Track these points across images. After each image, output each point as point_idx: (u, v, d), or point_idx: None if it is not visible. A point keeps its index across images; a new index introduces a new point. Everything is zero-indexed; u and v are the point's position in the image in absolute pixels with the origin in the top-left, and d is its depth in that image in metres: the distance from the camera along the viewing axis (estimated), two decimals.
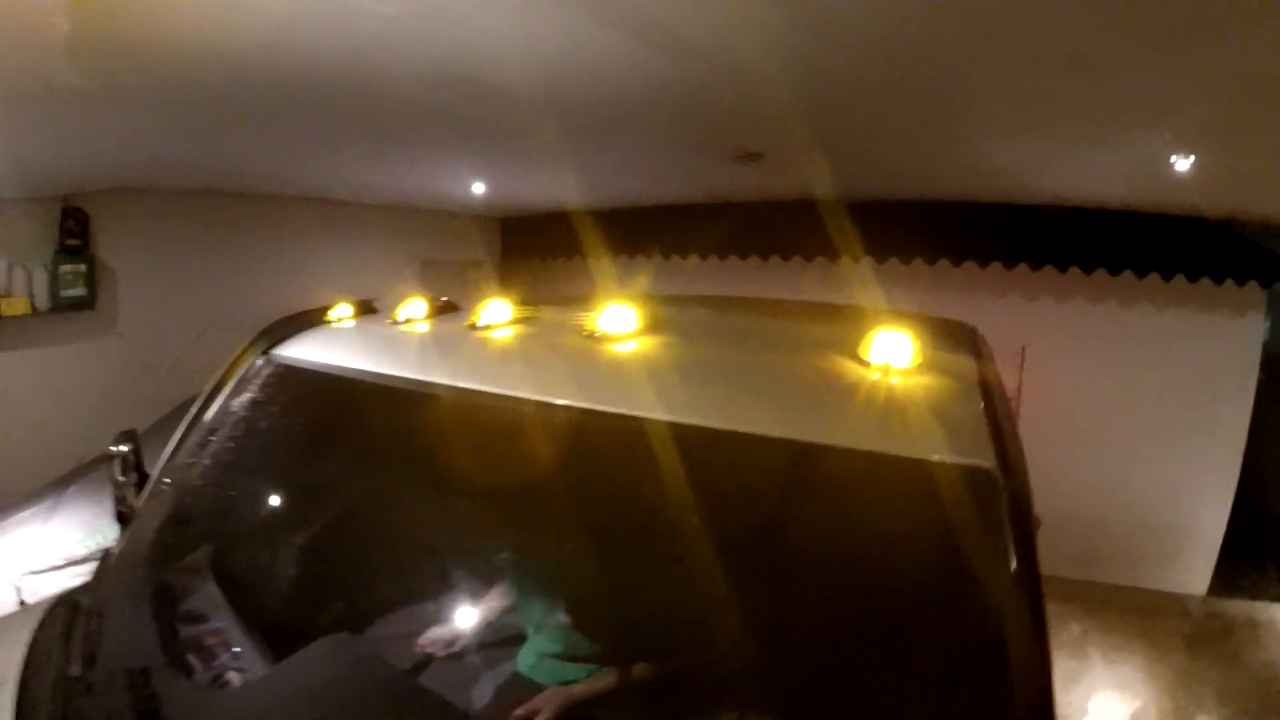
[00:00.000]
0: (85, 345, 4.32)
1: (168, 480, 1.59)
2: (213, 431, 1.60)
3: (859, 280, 4.93)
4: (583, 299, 1.90)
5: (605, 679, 1.15)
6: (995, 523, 0.97)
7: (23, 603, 2.51)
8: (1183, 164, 3.03)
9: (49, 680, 1.19)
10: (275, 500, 1.63)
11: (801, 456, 1.13)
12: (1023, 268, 4.77)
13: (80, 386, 4.28)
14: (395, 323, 1.81)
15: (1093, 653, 4.07)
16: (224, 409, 1.62)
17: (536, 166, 4.29)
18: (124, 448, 1.71)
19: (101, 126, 2.81)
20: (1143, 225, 4.28)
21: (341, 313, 1.89)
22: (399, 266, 6.00)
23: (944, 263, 4.96)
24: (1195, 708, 3.66)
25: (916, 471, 1.04)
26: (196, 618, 1.31)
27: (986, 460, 1.03)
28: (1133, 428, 4.84)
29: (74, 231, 4.10)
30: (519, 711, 1.11)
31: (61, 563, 2.98)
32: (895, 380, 1.24)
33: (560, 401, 1.27)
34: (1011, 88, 2.34)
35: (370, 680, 1.17)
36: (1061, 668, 3.71)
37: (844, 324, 1.54)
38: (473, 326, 1.65)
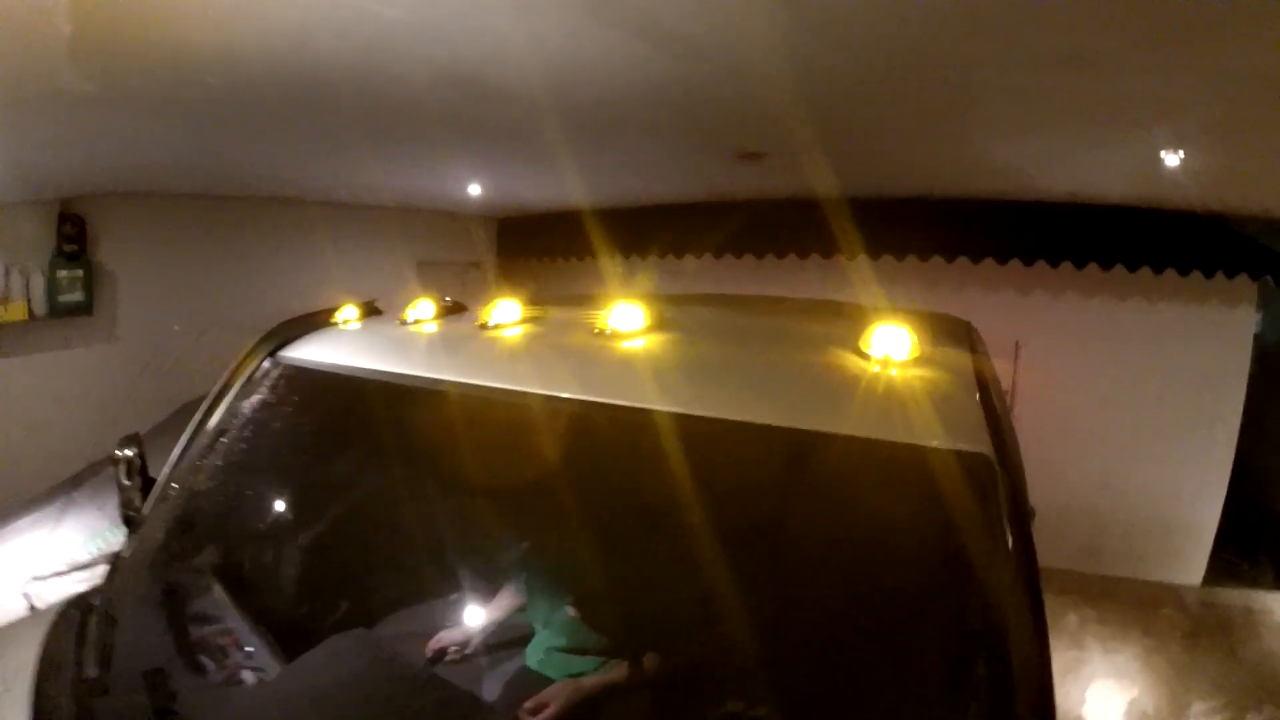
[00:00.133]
0: (83, 350, 4.31)
1: (177, 483, 1.60)
2: (221, 434, 1.61)
3: (854, 277, 4.97)
4: (590, 299, 1.93)
5: (614, 671, 1.18)
6: (992, 505, 1.00)
7: (32, 608, 2.52)
8: (1177, 161, 3.06)
9: (65, 682, 1.21)
10: (288, 501, 1.65)
11: (808, 445, 1.16)
12: (1015, 264, 4.80)
13: (79, 392, 4.27)
14: (405, 323, 1.83)
15: (1090, 643, 4.11)
16: (231, 411, 1.63)
17: (536, 166, 4.30)
18: (128, 452, 1.72)
19: (101, 129, 2.81)
20: (1134, 220, 4.32)
21: (348, 314, 1.91)
22: (397, 268, 6.01)
23: (937, 259, 4.98)
24: (1191, 696, 3.70)
25: (917, 458, 1.08)
26: (211, 618, 1.33)
27: (983, 447, 1.07)
28: (1127, 421, 4.88)
29: (72, 236, 4.10)
30: (528, 704, 1.14)
31: (65, 568, 2.99)
32: (895, 372, 1.28)
33: (576, 396, 1.30)
34: (1010, 87, 2.36)
35: (384, 676, 1.19)
36: (1060, 658, 3.74)
37: (844, 319, 1.57)
38: (483, 326, 1.67)
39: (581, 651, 1.23)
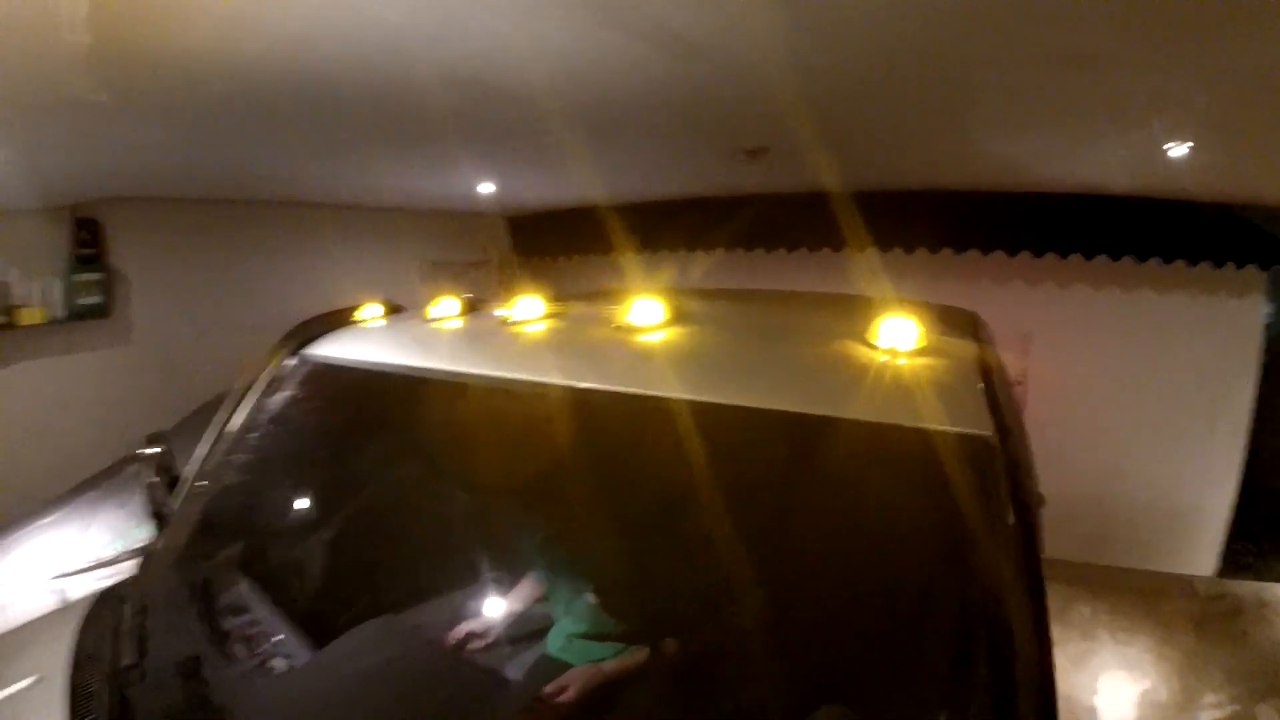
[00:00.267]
0: (101, 352, 4.37)
1: (205, 477, 1.65)
2: (248, 430, 1.66)
3: (865, 270, 4.99)
4: (608, 295, 1.97)
5: (633, 656, 1.21)
6: (994, 485, 1.05)
7: (64, 601, 2.58)
8: (1182, 154, 3.07)
9: (101, 670, 1.25)
10: (315, 493, 1.69)
11: (819, 430, 1.21)
12: (1025, 255, 4.80)
13: (97, 393, 4.33)
14: (429, 320, 1.87)
15: (1102, 634, 4.12)
16: (258, 408, 1.68)
17: (545, 166, 4.33)
18: (156, 449, 1.76)
19: (115, 136, 2.85)
20: (1142, 211, 4.31)
21: (370, 312, 1.95)
22: (407, 268, 6.06)
23: (947, 252, 5.00)
24: (1203, 686, 3.71)
25: (923, 440, 1.13)
26: (242, 608, 1.37)
27: (985, 430, 1.12)
28: (1138, 411, 4.88)
29: (88, 241, 4.15)
30: (548, 688, 1.17)
31: (90, 565, 3.04)
32: (902, 361, 1.33)
33: (599, 387, 1.35)
34: (1011, 84, 2.37)
35: (409, 663, 1.23)
36: (1071, 649, 3.77)
37: (854, 312, 1.61)
38: (506, 322, 1.72)
39: (601, 637, 1.26)
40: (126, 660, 1.24)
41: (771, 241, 5.53)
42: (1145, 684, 3.74)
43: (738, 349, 1.56)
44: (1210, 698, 3.62)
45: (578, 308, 1.86)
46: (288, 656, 1.26)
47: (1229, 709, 3.55)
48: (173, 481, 1.78)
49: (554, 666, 1.24)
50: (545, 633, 1.31)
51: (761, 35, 1.98)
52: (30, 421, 4.09)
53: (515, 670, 1.28)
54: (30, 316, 3.94)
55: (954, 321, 1.81)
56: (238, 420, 1.67)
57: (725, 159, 3.97)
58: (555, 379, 1.40)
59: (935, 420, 1.14)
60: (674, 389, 1.30)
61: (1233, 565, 4.79)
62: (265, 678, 1.24)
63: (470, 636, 1.26)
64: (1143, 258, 4.46)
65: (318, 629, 1.29)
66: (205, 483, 1.63)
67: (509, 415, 1.49)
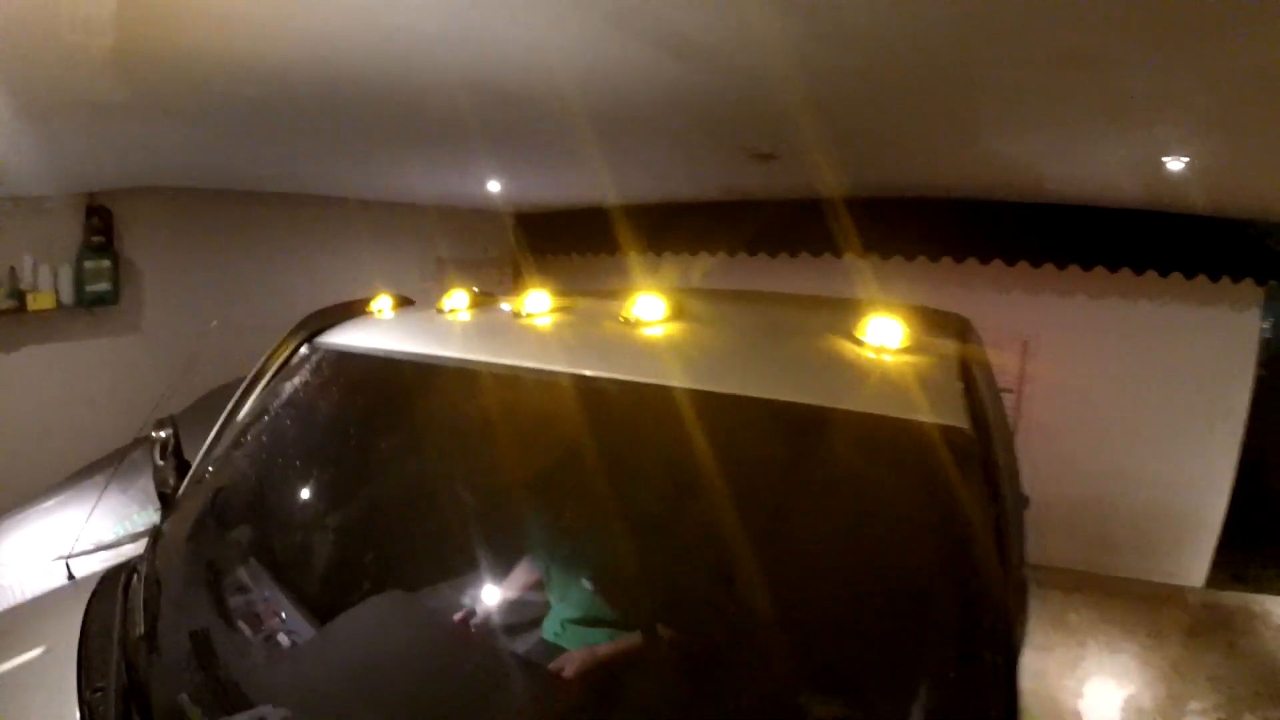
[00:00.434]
0: (110, 339, 4.44)
1: (216, 458, 1.71)
2: (260, 414, 1.71)
3: (867, 277, 5.05)
4: (614, 292, 2.05)
5: (628, 640, 1.26)
6: (971, 473, 1.11)
7: (71, 577, 2.63)
8: (1181, 163, 3.10)
9: (112, 641, 1.30)
10: (323, 477, 1.75)
11: (808, 419, 1.29)
12: (1023, 265, 4.85)
13: (104, 379, 4.40)
14: (441, 311, 1.95)
15: (1091, 641, 4.16)
16: (271, 392, 1.74)
17: (555, 165, 4.38)
18: (164, 433, 1.82)
19: (133, 132, 2.91)
20: (1140, 223, 4.36)
21: (381, 304, 2.02)
22: (416, 264, 6.12)
23: (946, 260, 5.04)
24: (1189, 694, 3.75)
25: (904, 430, 1.20)
26: (251, 585, 1.42)
27: (962, 421, 1.19)
28: (1134, 422, 4.92)
29: (99, 229, 4.21)
30: (549, 668, 1.22)
31: (91, 548, 3.09)
32: (888, 358, 1.41)
33: (603, 375, 1.44)
34: (1014, 86, 2.39)
35: (411, 641, 1.28)
36: (1061, 654, 3.81)
37: (845, 312, 1.68)
38: (517, 314, 1.80)
39: (596, 623, 1.31)
40: (136, 631, 1.29)
41: (774, 246, 5.58)
42: (1131, 690, 3.79)
43: (734, 343, 1.64)
44: (1195, 704, 3.66)
45: (584, 302, 1.93)
46: (294, 631, 1.32)
47: (1214, 716, 3.59)
48: (180, 464, 1.84)
49: (550, 651, 1.29)
50: (542, 618, 1.36)
51: (771, 41, 2.02)
52: (38, 405, 4.16)
53: (510, 654, 1.32)
54: (40, 302, 4.00)
55: (943, 324, 1.88)
56: (249, 405, 1.73)
57: (733, 163, 4.02)
58: (561, 367, 1.49)
59: (916, 411, 1.21)
60: (673, 378, 1.37)
61: (1227, 572, 4.84)
62: (273, 649, 1.30)
63: (469, 617, 1.31)
64: (1140, 270, 4.50)
65: (323, 605, 1.34)
66: (216, 464, 1.69)
67: (516, 402, 1.57)
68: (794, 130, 3.10)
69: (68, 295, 4.15)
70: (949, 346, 1.52)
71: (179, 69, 2.08)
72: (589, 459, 1.43)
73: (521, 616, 1.34)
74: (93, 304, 4.25)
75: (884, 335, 1.43)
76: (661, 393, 1.36)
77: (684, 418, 1.31)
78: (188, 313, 4.73)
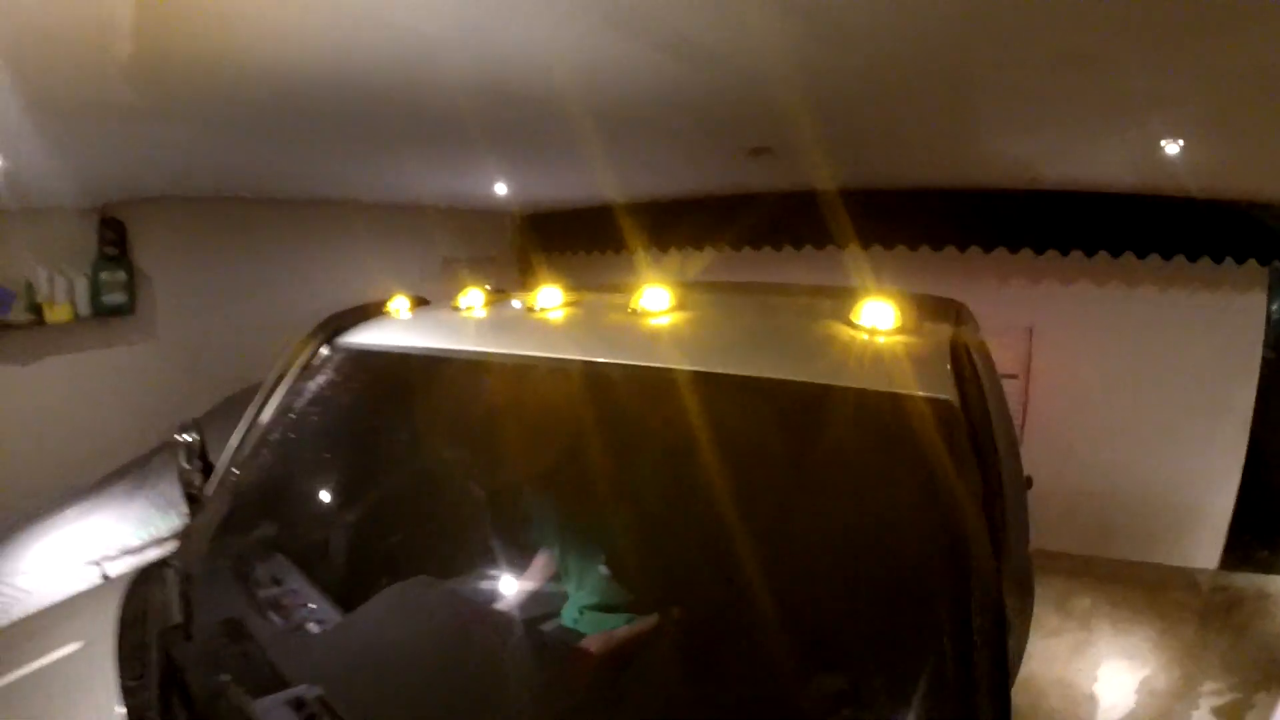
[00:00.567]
0: (125, 349, 4.52)
1: (242, 457, 1.77)
2: (284, 413, 1.77)
3: (870, 267, 5.07)
4: (620, 286, 2.12)
5: (643, 623, 1.31)
6: (957, 441, 1.18)
7: (105, 576, 2.70)
8: (1180, 150, 3.12)
9: (148, 633, 1.35)
10: (350, 471, 1.82)
11: (807, 395, 1.37)
12: (1026, 253, 4.87)
13: (121, 388, 4.47)
14: (457, 309, 2.03)
15: (1102, 624, 4.18)
16: (294, 392, 1.80)
17: (561, 165, 4.45)
18: (189, 436, 1.88)
19: (148, 139, 2.97)
20: (1141, 208, 4.37)
21: (398, 305, 2.10)
22: (424, 264, 6.17)
23: (950, 249, 5.07)
24: (1202, 676, 3.76)
25: (896, 402, 1.28)
26: (282, 576, 1.48)
27: (948, 394, 1.26)
28: (1141, 406, 4.92)
29: (113, 240, 4.29)
30: (571, 651, 1.27)
31: (116, 553, 3.16)
32: (880, 339, 1.49)
33: (616, 361, 1.53)
34: (1012, 83, 2.43)
35: (437, 624, 1.34)
36: (1070, 638, 3.83)
37: (840, 299, 1.74)
38: (530, 310, 1.88)
39: (612, 609, 1.36)
40: (172, 621, 1.34)
41: (778, 240, 5.62)
42: (1144, 672, 3.81)
43: (736, 328, 1.74)
44: (1209, 685, 3.68)
45: (592, 297, 2.01)
46: (326, 615, 1.38)
47: (1227, 697, 3.60)
48: (205, 466, 1.90)
49: (569, 635, 1.34)
50: (560, 604, 1.41)
51: (771, 41, 2.07)
52: (57, 416, 4.22)
53: (532, 641, 1.37)
54: (57, 314, 4.07)
55: (938, 309, 1.98)
56: (272, 406, 1.79)
57: (733, 158, 4.05)
58: (576, 355, 1.58)
59: (905, 386, 1.30)
60: (680, 362, 1.47)
61: (1236, 559, 4.83)
62: (307, 633, 1.36)
63: (493, 601, 1.36)
64: (1143, 254, 4.51)
65: (353, 592, 1.41)
66: (242, 463, 1.75)
67: (534, 391, 1.65)
68: (794, 127, 3.14)
69: (84, 307, 4.22)
70: (940, 328, 1.60)
71: (194, 73, 2.14)
72: (607, 441, 1.51)
73: (542, 605, 1.39)
74: (109, 315, 4.32)
75: (876, 318, 1.52)
76: (669, 375, 1.44)
77: (692, 398, 1.39)
78: (201, 320, 4.82)
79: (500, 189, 5.36)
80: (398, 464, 1.82)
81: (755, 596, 1.20)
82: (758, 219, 5.50)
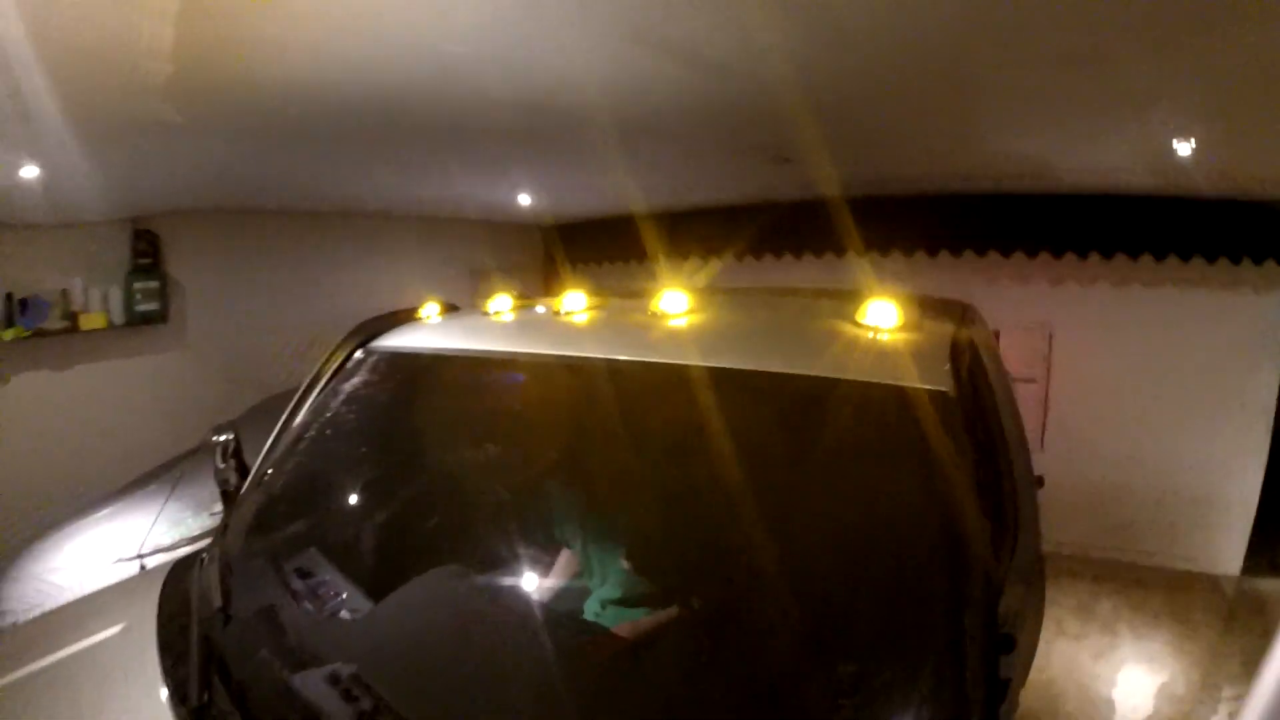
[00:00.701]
0: (158, 356, 4.66)
1: (279, 456, 1.87)
2: (320, 411, 1.87)
3: (890, 273, 5.11)
4: (639, 291, 2.23)
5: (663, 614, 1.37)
6: (954, 428, 1.26)
7: (143, 566, 2.80)
8: (1192, 150, 3.12)
9: (187, 617, 1.43)
10: (384, 468, 1.91)
11: (816, 387, 1.46)
12: (1045, 256, 4.89)
13: (154, 394, 4.61)
14: (487, 314, 2.14)
15: (1122, 629, 4.16)
16: (332, 392, 1.90)
17: (585, 176, 4.54)
18: (226, 436, 1.97)
19: (184, 155, 3.09)
20: (1158, 209, 4.37)
21: (429, 311, 2.20)
22: (451, 275, 6.29)
23: (969, 254, 5.10)
24: (1223, 681, 3.73)
25: (898, 394, 1.36)
26: (317, 564, 1.55)
27: (946, 386, 1.34)
28: (1162, 409, 4.88)
29: (146, 251, 4.44)
30: (589, 644, 1.32)
31: (150, 550, 3.25)
32: (884, 336, 1.58)
33: (639, 359, 1.64)
34: (1019, 83, 2.45)
35: (463, 610, 1.41)
36: (1092, 643, 3.81)
37: (847, 300, 1.81)
38: (556, 313, 1.99)
39: (634, 602, 1.41)
40: (211, 607, 1.42)
41: (801, 246, 5.69)
42: (1164, 677, 3.79)
43: (750, 328, 1.85)
44: (1229, 690, 3.65)
45: (614, 301, 2.13)
46: (360, 600, 1.46)
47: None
48: (240, 466, 1.99)
49: (591, 628, 1.39)
50: (583, 599, 1.46)
51: (779, 51, 2.14)
52: (90, 421, 4.36)
53: (555, 622, 1.42)
54: (91, 321, 4.22)
55: (944, 309, 2.05)
56: (307, 406, 1.89)
57: (755, 167, 4.12)
58: (600, 354, 1.69)
59: (906, 378, 1.38)
60: (697, 358, 1.57)
61: (1259, 558, 4.78)
62: (337, 621, 1.43)
63: (518, 589, 1.43)
64: (1161, 256, 4.51)
65: (381, 586, 1.48)
66: (280, 458, 1.85)
67: (561, 388, 1.76)
68: (810, 137, 3.21)
69: (118, 315, 4.37)
70: (942, 326, 1.68)
71: (232, 92, 2.24)
72: (631, 435, 1.60)
73: (565, 598, 1.45)
74: (142, 323, 4.46)
75: (880, 317, 1.61)
76: (687, 371, 1.54)
77: (707, 392, 1.48)
78: (232, 329, 4.95)
79: (526, 201, 5.46)
80: (429, 461, 1.91)
81: (767, 583, 1.26)
82: (781, 226, 5.57)
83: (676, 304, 1.82)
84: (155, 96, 2.13)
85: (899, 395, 1.34)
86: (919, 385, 1.34)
